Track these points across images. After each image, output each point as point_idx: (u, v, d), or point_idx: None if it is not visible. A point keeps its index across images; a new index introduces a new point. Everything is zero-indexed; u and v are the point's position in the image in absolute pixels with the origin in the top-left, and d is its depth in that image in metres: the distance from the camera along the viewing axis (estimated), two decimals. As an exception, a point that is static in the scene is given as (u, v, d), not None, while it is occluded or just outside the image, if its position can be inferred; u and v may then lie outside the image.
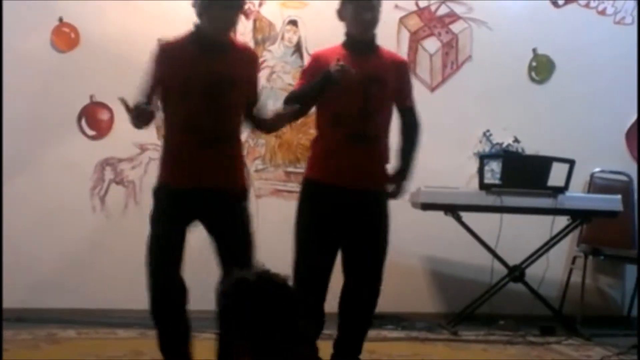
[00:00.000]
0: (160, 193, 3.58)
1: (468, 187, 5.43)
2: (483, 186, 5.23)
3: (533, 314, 5.32)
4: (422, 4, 5.68)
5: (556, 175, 5.22)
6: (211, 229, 3.59)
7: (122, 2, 5.25)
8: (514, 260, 5.32)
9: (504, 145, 5.77)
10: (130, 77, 4.86)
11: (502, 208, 5.15)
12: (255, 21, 5.41)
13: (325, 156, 3.80)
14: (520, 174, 5.31)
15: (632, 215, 5.85)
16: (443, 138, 5.56)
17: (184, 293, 3.56)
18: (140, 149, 5.31)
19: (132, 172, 5.34)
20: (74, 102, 5.26)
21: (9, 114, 5.02)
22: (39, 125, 5.22)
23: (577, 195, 5.42)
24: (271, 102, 5.17)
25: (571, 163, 5.20)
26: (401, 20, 5.63)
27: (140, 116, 3.41)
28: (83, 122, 5.30)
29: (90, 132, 5.32)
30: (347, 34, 3.85)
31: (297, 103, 3.63)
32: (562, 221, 5.40)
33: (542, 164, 5.28)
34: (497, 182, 5.41)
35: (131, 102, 3.39)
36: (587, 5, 5.87)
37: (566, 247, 5.72)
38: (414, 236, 5.46)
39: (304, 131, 5.16)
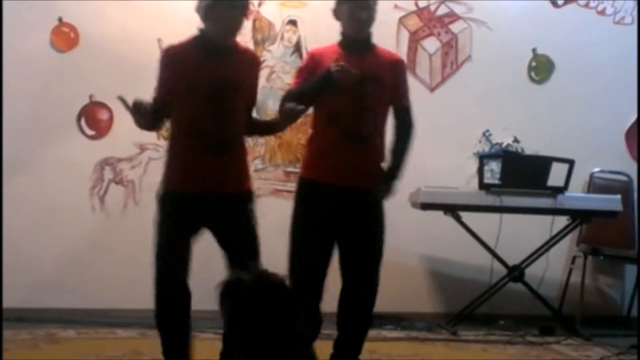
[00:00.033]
0: (165, 198, 3.58)
1: (468, 187, 5.43)
2: (483, 186, 5.23)
3: (532, 314, 5.32)
4: (421, 4, 5.68)
5: (556, 175, 5.22)
6: (217, 233, 3.60)
7: (121, 2, 5.25)
8: (513, 260, 5.33)
9: (504, 145, 5.77)
10: (130, 77, 4.91)
11: (502, 208, 5.15)
12: (254, 21, 5.41)
13: (321, 155, 3.80)
14: (520, 174, 5.31)
15: (632, 215, 5.85)
16: (443, 138, 5.57)
17: (188, 301, 3.56)
18: (140, 148, 5.31)
19: (132, 171, 5.34)
20: (74, 102, 5.26)
21: (8, 113, 5.02)
22: (39, 125, 5.22)
23: (577, 195, 5.42)
24: (271, 102, 5.19)
25: (571, 163, 5.20)
26: (401, 20, 5.64)
27: (140, 113, 3.40)
28: (82, 121, 5.30)
29: (90, 132, 5.32)
30: (343, 34, 3.85)
31: (294, 102, 3.62)
32: (562, 221, 5.40)
33: (542, 164, 5.28)
34: (496, 182, 5.41)
35: (130, 102, 3.39)
36: (586, 5, 5.87)
37: (566, 247, 5.72)
38: (413, 236, 5.47)
39: (304, 131, 5.14)
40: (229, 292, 2.07)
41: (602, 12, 5.88)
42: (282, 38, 5.50)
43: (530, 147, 5.73)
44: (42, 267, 5.19)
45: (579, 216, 5.35)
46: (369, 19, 3.80)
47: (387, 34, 5.27)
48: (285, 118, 3.64)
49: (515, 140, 5.78)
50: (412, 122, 3.92)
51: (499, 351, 4.82)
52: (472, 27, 5.73)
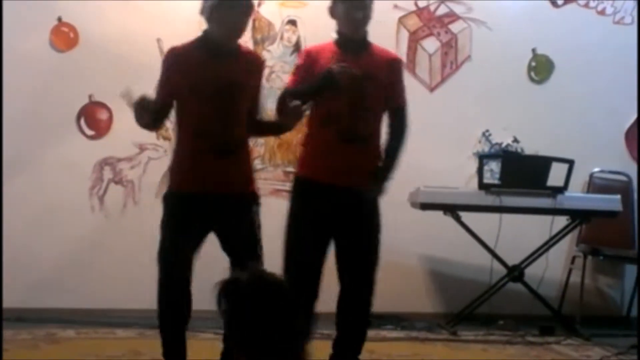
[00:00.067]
0: (170, 199, 3.59)
1: (467, 187, 5.43)
2: (482, 186, 5.23)
3: (532, 314, 5.32)
4: (421, 4, 5.68)
5: (555, 175, 5.22)
6: (221, 234, 3.60)
7: (121, 2, 5.25)
8: (513, 260, 5.32)
9: (504, 145, 5.77)
10: (129, 77, 4.90)
11: (502, 208, 5.15)
12: (254, 21, 5.40)
13: (316, 154, 3.80)
14: (520, 174, 5.31)
15: (632, 215, 5.85)
16: (442, 138, 5.57)
17: (189, 302, 3.57)
18: (139, 148, 5.31)
19: (131, 171, 5.34)
20: (73, 102, 5.26)
21: (8, 113, 5.02)
22: (38, 124, 5.21)
23: (577, 195, 5.42)
24: (271, 102, 5.19)
25: (570, 163, 5.20)
26: (400, 20, 5.63)
27: (143, 108, 3.39)
28: (82, 121, 5.30)
29: (89, 132, 5.32)
30: (339, 33, 3.85)
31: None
32: (562, 221, 5.40)
33: (542, 164, 5.28)
34: (496, 182, 5.41)
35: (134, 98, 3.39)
36: (586, 5, 5.86)
37: (565, 247, 5.71)
38: (413, 236, 5.47)
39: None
40: (227, 292, 2.07)
41: (601, 12, 5.88)
42: (281, 38, 5.50)
43: (530, 147, 5.73)
44: (42, 267, 5.19)
45: (578, 216, 5.35)
46: (365, 18, 3.80)
47: (386, 34, 5.27)
48: (293, 117, 3.64)
49: (515, 140, 5.77)
50: (406, 122, 3.90)
51: (498, 351, 4.81)
52: (471, 27, 5.73)
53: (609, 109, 5.83)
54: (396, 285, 5.21)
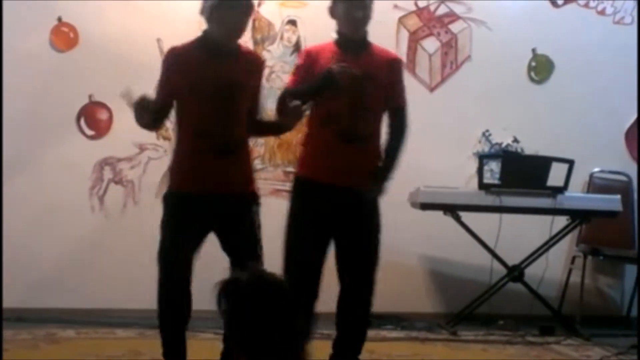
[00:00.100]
0: (170, 199, 3.59)
1: (467, 187, 5.43)
2: (482, 186, 5.23)
3: (532, 314, 5.32)
4: (421, 4, 5.68)
5: (555, 175, 5.22)
6: (221, 234, 3.61)
7: (121, 2, 5.25)
8: (513, 260, 5.32)
9: (504, 145, 5.77)
10: (129, 77, 4.90)
11: (502, 208, 5.15)
12: (254, 21, 5.40)
13: (316, 154, 3.80)
14: (520, 174, 5.31)
15: (632, 215, 5.85)
16: (442, 138, 5.57)
17: (189, 302, 3.57)
18: (139, 148, 5.31)
19: (131, 171, 5.34)
20: (73, 102, 5.26)
21: (8, 113, 5.02)
22: (38, 124, 5.21)
23: (577, 195, 5.42)
24: (271, 102, 5.19)
25: (570, 163, 5.20)
26: (400, 20, 5.63)
27: (144, 107, 3.38)
28: (82, 121, 5.30)
29: (89, 132, 5.32)
30: (339, 32, 3.85)
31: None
32: (562, 221, 5.40)
33: (542, 164, 5.28)
34: (496, 182, 5.41)
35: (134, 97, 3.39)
36: (586, 5, 5.87)
37: (565, 247, 5.71)
38: (413, 236, 5.47)
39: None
40: (227, 292, 2.07)
41: (601, 12, 5.88)
42: (281, 38, 5.50)
43: (530, 147, 5.73)
44: (42, 267, 5.19)
45: (578, 216, 5.35)
46: (365, 18, 3.80)
47: (386, 33, 5.27)
48: (293, 117, 3.64)
49: (515, 140, 5.77)
50: (406, 122, 3.90)
51: (498, 351, 4.82)
52: (471, 27, 5.73)
53: (609, 109, 5.83)
54: (396, 285, 5.21)
